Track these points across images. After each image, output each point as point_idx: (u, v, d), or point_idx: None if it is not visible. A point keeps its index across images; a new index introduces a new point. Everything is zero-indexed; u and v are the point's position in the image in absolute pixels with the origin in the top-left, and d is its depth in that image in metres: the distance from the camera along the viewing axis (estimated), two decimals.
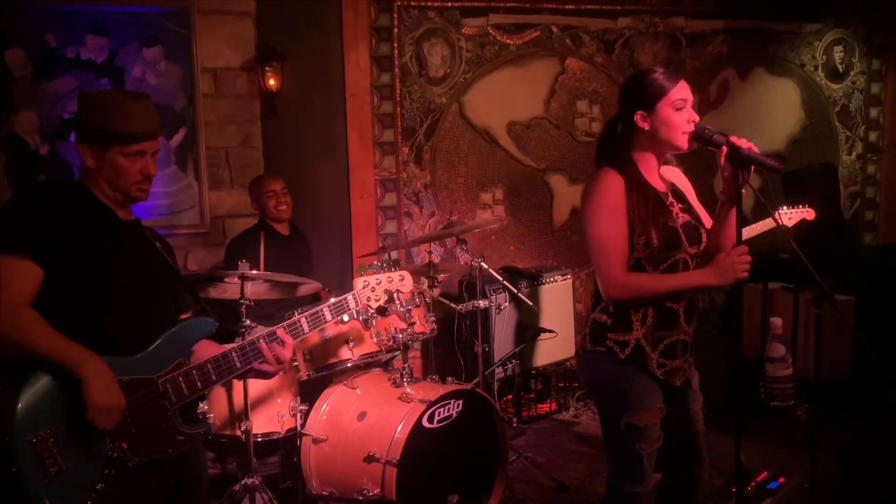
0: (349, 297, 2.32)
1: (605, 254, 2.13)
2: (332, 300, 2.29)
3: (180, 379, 1.93)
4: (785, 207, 3.43)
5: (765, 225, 3.27)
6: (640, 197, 2.14)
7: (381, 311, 3.22)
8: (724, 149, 2.09)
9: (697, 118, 2.18)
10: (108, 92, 2.02)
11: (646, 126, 2.17)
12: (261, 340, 2.07)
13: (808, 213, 3.41)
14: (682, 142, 2.17)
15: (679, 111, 2.15)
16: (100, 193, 1.97)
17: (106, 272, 1.90)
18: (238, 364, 2.03)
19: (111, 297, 1.90)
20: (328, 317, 2.26)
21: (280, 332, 2.10)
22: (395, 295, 2.54)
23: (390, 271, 2.47)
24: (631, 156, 2.21)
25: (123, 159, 1.93)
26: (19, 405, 1.72)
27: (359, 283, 2.40)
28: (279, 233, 3.95)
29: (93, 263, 1.88)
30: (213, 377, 1.99)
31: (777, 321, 4.03)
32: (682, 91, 2.16)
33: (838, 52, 5.77)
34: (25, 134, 4.12)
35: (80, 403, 1.73)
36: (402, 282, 2.48)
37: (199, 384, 1.96)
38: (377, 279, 2.41)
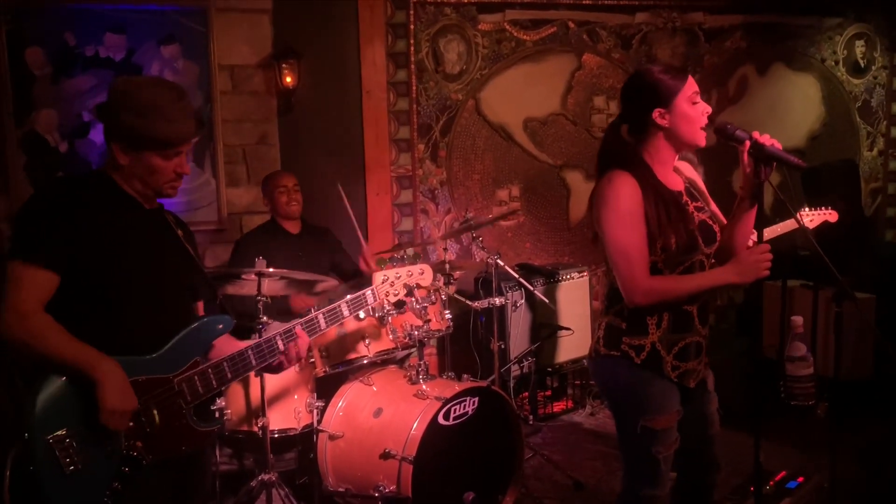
0: (367, 292, 2.31)
1: (628, 262, 2.06)
2: (350, 296, 2.28)
3: (196, 378, 1.93)
4: (807, 208, 3.39)
5: (785, 226, 3.23)
6: (657, 200, 2.08)
7: (399, 305, 3.22)
8: (748, 144, 2.06)
9: (710, 109, 2.15)
10: (146, 89, 1.91)
11: (665, 123, 2.11)
12: (278, 338, 2.07)
13: (830, 216, 3.36)
14: (701, 137, 2.13)
15: (695, 105, 2.12)
16: (127, 186, 1.94)
17: (129, 268, 1.90)
18: (254, 362, 2.04)
19: (132, 292, 1.91)
20: (345, 312, 2.25)
21: (298, 329, 2.10)
22: (413, 290, 2.52)
23: (411, 265, 2.46)
24: (642, 157, 2.15)
25: (160, 160, 1.90)
26: (37, 405, 1.73)
27: (378, 277, 2.38)
28: (288, 231, 3.91)
29: (116, 261, 1.87)
30: (229, 375, 1.99)
31: (798, 320, 3.97)
32: (693, 84, 2.13)
33: (859, 47, 5.69)
34: (45, 132, 4.16)
35: (95, 404, 1.74)
36: (422, 275, 2.46)
37: (214, 383, 1.97)
38: (397, 273, 2.40)
